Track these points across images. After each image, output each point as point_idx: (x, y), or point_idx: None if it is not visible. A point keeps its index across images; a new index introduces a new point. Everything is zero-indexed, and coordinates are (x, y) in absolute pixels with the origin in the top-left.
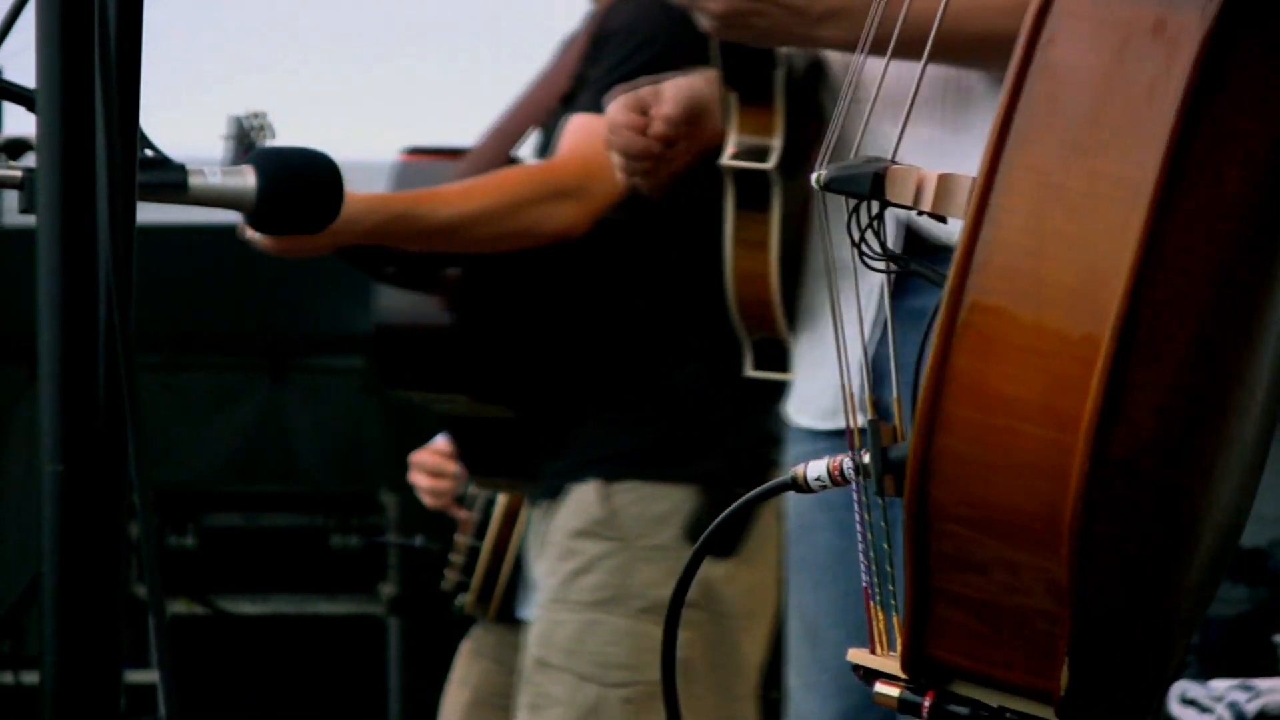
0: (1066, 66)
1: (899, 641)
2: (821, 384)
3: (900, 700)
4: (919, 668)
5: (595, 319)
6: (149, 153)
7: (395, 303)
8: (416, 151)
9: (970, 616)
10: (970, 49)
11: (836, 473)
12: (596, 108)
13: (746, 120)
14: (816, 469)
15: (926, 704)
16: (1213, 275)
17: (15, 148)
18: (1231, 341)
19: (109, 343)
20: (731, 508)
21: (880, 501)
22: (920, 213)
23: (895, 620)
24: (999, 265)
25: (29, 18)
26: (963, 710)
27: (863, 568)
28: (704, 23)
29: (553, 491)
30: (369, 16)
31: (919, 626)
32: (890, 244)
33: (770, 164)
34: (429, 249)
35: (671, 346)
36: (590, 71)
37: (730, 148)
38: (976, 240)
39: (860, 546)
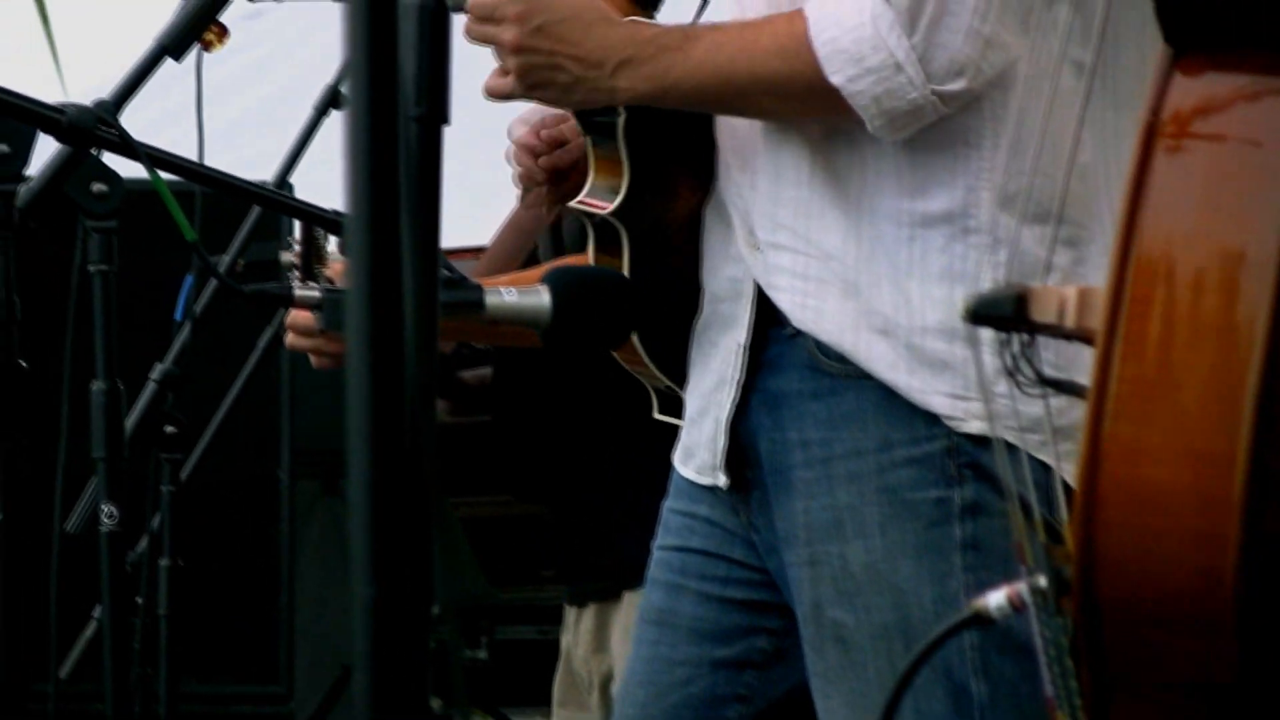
0: (1182, 153)
1: None
2: (701, 438)
3: None
4: None
5: (626, 414)
6: (446, 273)
7: None
8: None
9: (1149, 703)
10: (746, 93)
11: (1016, 599)
12: None
13: (600, 164)
14: (997, 599)
15: None
16: None
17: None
18: None
19: (413, 462)
20: (919, 649)
21: (1061, 621)
22: (1068, 336)
23: None
24: (1137, 355)
25: (328, 138)
26: None
27: (1046, 680)
28: (505, 85)
29: (607, 593)
30: None
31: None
32: None
33: (608, 209)
34: (507, 343)
35: None
36: None
37: (585, 190)
38: (1114, 338)
39: (1043, 660)
